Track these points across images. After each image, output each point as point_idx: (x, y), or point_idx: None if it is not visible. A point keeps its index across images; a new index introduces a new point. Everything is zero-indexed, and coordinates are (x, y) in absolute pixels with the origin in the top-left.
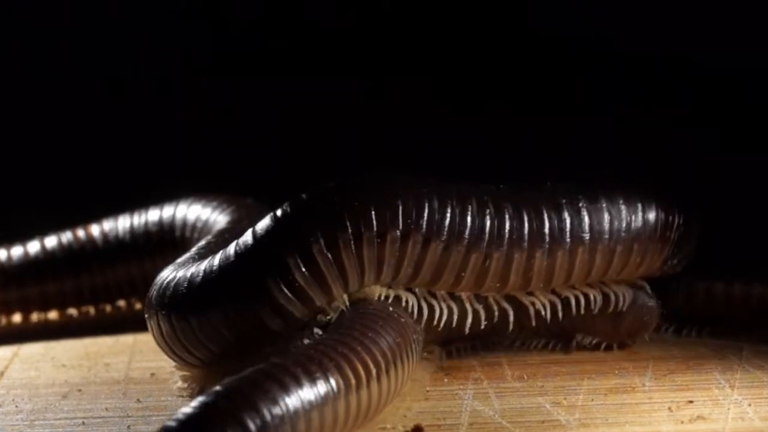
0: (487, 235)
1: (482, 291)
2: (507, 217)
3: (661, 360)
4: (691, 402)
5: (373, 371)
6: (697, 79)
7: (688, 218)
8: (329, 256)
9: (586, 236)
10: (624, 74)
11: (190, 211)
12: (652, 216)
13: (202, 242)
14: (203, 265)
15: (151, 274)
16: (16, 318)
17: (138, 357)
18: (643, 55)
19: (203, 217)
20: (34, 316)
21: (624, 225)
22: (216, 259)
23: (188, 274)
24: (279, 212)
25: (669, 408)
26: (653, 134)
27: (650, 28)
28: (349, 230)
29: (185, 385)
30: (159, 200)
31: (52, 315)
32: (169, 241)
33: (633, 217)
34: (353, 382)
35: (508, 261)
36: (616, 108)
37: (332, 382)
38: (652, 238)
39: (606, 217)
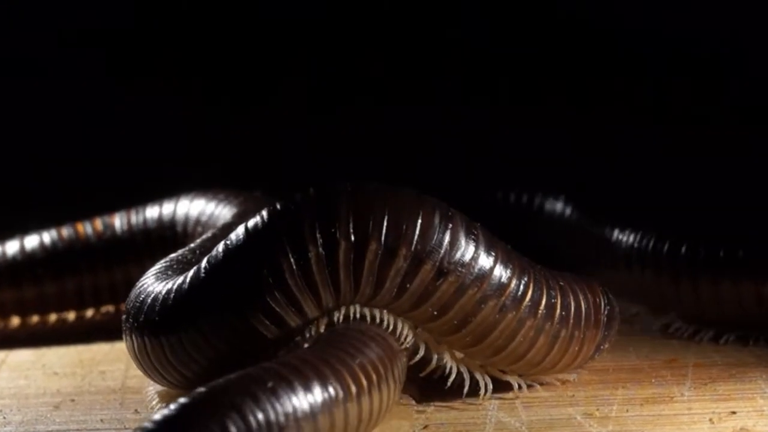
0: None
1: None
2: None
3: (701, 367)
4: (734, 413)
5: (374, 379)
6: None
7: (610, 299)
8: (300, 272)
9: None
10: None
11: (193, 206)
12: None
13: (198, 241)
14: (178, 281)
15: None
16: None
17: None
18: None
19: (207, 212)
20: (16, 321)
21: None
22: (189, 276)
23: (163, 290)
24: (250, 225)
25: (710, 419)
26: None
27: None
28: (321, 243)
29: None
30: (158, 197)
31: (42, 320)
32: (171, 239)
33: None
34: (353, 389)
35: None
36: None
37: (330, 388)
38: (588, 323)
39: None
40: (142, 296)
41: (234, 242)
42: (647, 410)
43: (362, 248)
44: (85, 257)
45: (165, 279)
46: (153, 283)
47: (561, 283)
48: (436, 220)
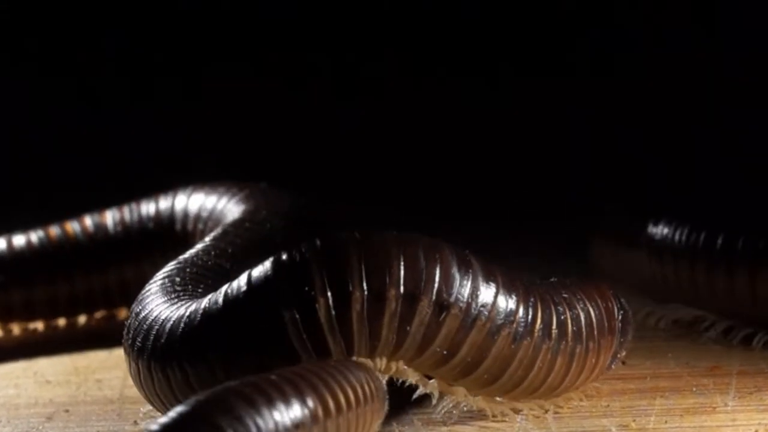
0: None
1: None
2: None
3: (746, 375)
4: None
5: (351, 399)
6: None
7: (622, 302)
8: (334, 320)
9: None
10: None
11: (193, 201)
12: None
13: (208, 240)
14: (191, 309)
15: (149, 277)
16: None
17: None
18: None
19: (209, 206)
20: (16, 327)
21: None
22: (201, 310)
23: (173, 317)
24: (227, 291)
25: (756, 431)
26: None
27: None
28: (297, 308)
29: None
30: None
31: (34, 325)
32: (170, 237)
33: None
34: (331, 408)
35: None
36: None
37: (309, 405)
38: (602, 331)
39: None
40: (151, 316)
41: (210, 304)
42: (688, 422)
43: (345, 301)
44: (76, 259)
45: (174, 295)
46: (161, 300)
47: (565, 296)
48: (421, 254)
